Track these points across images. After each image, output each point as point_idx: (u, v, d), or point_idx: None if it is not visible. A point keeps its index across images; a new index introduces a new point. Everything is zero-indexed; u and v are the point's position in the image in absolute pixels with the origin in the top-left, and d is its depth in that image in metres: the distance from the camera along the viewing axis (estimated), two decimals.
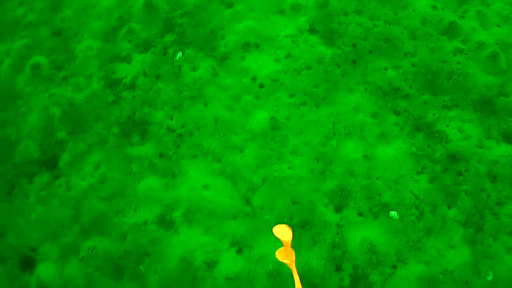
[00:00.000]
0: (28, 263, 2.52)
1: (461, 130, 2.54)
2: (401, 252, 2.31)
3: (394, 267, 2.29)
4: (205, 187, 2.43)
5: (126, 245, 2.40)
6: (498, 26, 2.85)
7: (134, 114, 2.69)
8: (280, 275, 2.24)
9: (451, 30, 2.81)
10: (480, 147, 2.52)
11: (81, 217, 2.49)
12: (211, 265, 2.29)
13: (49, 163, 2.67)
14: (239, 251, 2.32)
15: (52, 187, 2.60)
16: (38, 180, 2.64)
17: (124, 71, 2.81)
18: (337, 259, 2.29)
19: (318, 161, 2.46)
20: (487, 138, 2.54)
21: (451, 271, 2.30)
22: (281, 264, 2.24)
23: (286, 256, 1.84)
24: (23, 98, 2.88)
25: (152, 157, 2.56)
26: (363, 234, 2.31)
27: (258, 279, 2.26)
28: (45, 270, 2.43)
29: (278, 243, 1.85)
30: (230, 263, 2.29)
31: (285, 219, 2.34)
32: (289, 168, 2.46)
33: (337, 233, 2.33)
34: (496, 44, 2.77)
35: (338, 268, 2.28)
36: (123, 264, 2.38)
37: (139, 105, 2.71)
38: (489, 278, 2.32)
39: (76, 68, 2.91)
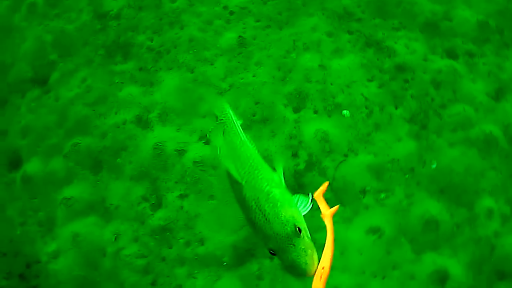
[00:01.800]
0: (15, 164, 2.77)
1: (408, 46, 2.84)
2: (351, 144, 2.56)
3: (346, 155, 2.53)
4: (178, 90, 2.72)
5: (105, 142, 2.65)
6: None
7: (119, 38, 3.00)
8: None
9: None
10: (425, 60, 2.81)
11: (66, 122, 2.76)
12: (181, 153, 2.54)
13: (40, 81, 2.97)
14: (207, 143, 2.58)
15: (41, 99, 2.88)
16: (29, 95, 2.93)
17: (111, 5, 3.15)
18: (293, 147, 2.54)
19: (279, 69, 2.75)
20: (432, 54, 2.83)
21: (398, 160, 2.54)
22: None
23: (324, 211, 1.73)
24: (18, 31, 3.21)
25: (133, 70, 2.85)
26: (317, 127, 2.57)
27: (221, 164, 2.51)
28: (30, 166, 2.68)
29: None
30: (198, 151, 2.54)
31: (249, 116, 2.61)
32: (253, 76, 2.75)
33: (294, 127, 2.59)
34: None
35: (294, 155, 2.52)
36: (101, 158, 2.63)
37: (123, 31, 3.02)
38: (433, 166, 2.55)
39: (68, 5, 3.26)
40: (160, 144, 2.58)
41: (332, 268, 2.30)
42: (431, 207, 2.44)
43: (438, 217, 2.41)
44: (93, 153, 2.65)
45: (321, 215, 1.71)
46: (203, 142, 2.57)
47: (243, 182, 1.55)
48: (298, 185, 2.49)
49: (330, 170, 2.51)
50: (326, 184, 1.78)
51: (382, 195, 2.49)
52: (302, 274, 1.39)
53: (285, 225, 1.41)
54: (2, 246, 2.63)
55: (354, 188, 2.49)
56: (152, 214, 2.49)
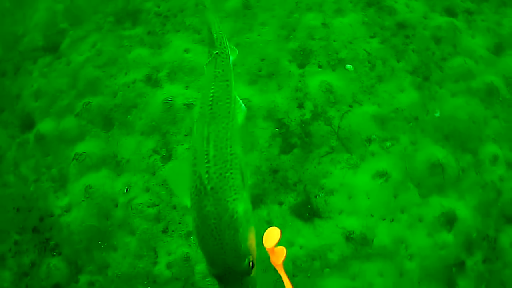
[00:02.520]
0: (28, 125, 2.83)
1: (408, 5, 2.92)
2: (356, 95, 2.61)
3: (350, 106, 2.59)
4: (186, 51, 2.79)
5: (116, 100, 2.72)
6: None
7: (127, 6, 3.10)
8: (250, 108, 2.55)
9: None
10: (425, 18, 2.88)
11: (77, 83, 2.84)
12: (190, 106, 2.60)
13: (52, 48, 3.05)
14: None
15: (53, 64, 2.97)
16: (41, 61, 3.01)
17: None
18: (299, 99, 2.59)
19: (283, 28, 2.82)
20: (431, 12, 2.90)
21: (402, 110, 2.59)
22: (250, 98, 2.55)
23: (274, 259, 1.51)
24: (30, 3, 3.31)
25: (142, 34, 2.94)
26: (322, 79, 2.63)
27: None
28: (43, 126, 2.74)
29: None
30: None
31: (255, 71, 2.68)
32: (258, 35, 2.83)
33: (300, 81, 2.65)
34: None
35: (300, 106, 2.58)
36: (112, 116, 2.70)
37: None
38: (437, 114, 2.60)
39: None
40: (169, 99, 2.64)
41: (341, 212, 2.37)
42: (437, 152, 2.48)
43: (443, 162, 2.45)
44: (104, 111, 2.72)
45: (272, 262, 1.49)
46: None
47: (208, 188, 1.24)
48: (305, 133, 2.54)
49: (335, 119, 2.56)
50: (279, 232, 1.49)
51: (388, 143, 2.54)
52: None
53: (241, 261, 1.22)
54: (16, 202, 2.68)
55: (359, 137, 2.53)
56: (163, 166, 2.55)
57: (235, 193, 1.25)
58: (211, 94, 1.38)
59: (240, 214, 1.24)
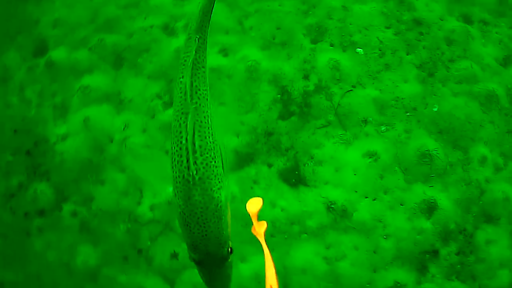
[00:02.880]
0: (40, 51, 2.89)
1: (427, 5, 2.98)
2: (361, 77, 2.68)
3: (353, 86, 2.65)
4: None
5: (130, 42, 2.79)
6: None
7: None
8: (257, 70, 2.61)
9: None
10: (441, 19, 2.94)
11: (97, 19, 2.91)
12: None
13: None
14: (225, 55, 2.70)
15: None
16: None
17: None
18: (305, 71, 2.66)
19: (303, 3, 2.88)
20: (449, 15, 2.97)
21: (402, 98, 2.65)
22: (259, 61, 2.61)
23: (257, 228, 1.61)
24: None
25: None
26: (331, 57, 2.69)
27: (237, 73, 2.63)
28: (56, 53, 2.80)
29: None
30: (216, 61, 2.67)
31: (269, 38, 2.74)
32: (279, 5, 2.88)
33: (309, 54, 2.71)
34: None
35: (306, 77, 2.64)
36: (124, 56, 2.76)
37: None
38: (435, 109, 2.66)
39: None
40: (182, 48, 2.71)
41: (326, 182, 2.42)
42: (429, 143, 2.54)
43: (433, 153, 2.51)
44: (117, 50, 2.78)
45: (252, 231, 1.59)
46: (222, 55, 2.70)
47: (197, 178, 1.29)
48: (305, 103, 2.60)
49: (336, 96, 2.62)
50: (259, 201, 1.62)
51: (383, 128, 2.60)
52: None
53: (222, 247, 1.29)
54: (15, 123, 2.74)
55: (357, 116, 2.59)
56: (163, 111, 2.61)
57: (219, 182, 1.31)
58: (190, 83, 1.40)
59: (223, 203, 1.30)
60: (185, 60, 1.47)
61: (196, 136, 1.28)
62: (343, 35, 2.82)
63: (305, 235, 2.34)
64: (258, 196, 2.34)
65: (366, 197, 2.43)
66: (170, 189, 1.31)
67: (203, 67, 1.50)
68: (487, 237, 2.48)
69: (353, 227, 2.35)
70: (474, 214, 2.49)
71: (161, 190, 2.38)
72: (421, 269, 2.37)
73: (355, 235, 2.35)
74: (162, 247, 2.32)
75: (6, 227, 2.48)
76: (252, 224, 1.58)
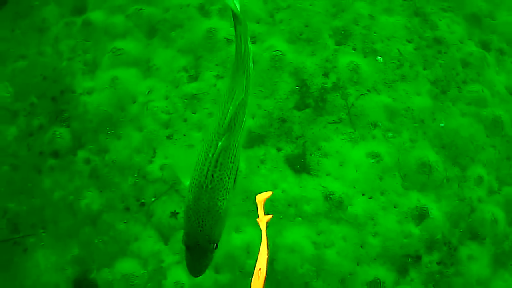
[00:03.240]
0: (79, 11, 3.03)
1: (449, 26, 3.11)
2: (377, 84, 2.81)
3: (369, 91, 2.78)
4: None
5: (166, 15, 2.93)
6: None
7: None
8: (281, 61, 2.75)
9: None
10: (461, 42, 3.07)
11: None
12: (230, 42, 2.81)
13: None
14: (253, 42, 2.84)
15: None
16: None
17: None
18: (326, 69, 2.80)
19: (334, 7, 3.03)
20: (468, 39, 3.10)
21: (412, 110, 2.78)
22: (284, 52, 2.75)
23: (261, 217, 1.75)
24: None
25: None
26: (352, 60, 2.83)
27: (262, 60, 2.77)
28: (93, 15, 2.95)
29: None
30: None
31: (296, 33, 2.88)
32: (310, 5, 3.02)
33: (332, 54, 2.86)
34: None
35: (325, 75, 2.78)
36: (158, 27, 2.91)
37: None
38: (442, 124, 2.79)
39: None
40: (213, 29, 2.85)
41: (328, 174, 2.55)
42: (430, 155, 2.67)
43: (433, 165, 2.63)
44: (152, 21, 2.93)
45: (257, 219, 1.75)
46: (252, 42, 2.84)
47: (209, 187, 1.58)
48: (321, 99, 2.73)
49: (351, 97, 2.76)
50: (269, 192, 1.82)
51: (390, 134, 2.72)
52: (192, 276, 1.60)
53: (210, 243, 1.56)
54: (45, 71, 2.88)
55: (367, 119, 2.72)
56: (187, 83, 2.75)
57: (226, 194, 1.59)
58: (234, 113, 1.63)
59: (223, 211, 1.59)
60: (234, 93, 1.67)
61: (221, 155, 1.57)
62: (366, 42, 2.95)
63: (300, 218, 2.47)
64: (263, 176, 2.48)
65: (363, 194, 2.55)
66: (187, 183, 1.59)
67: (245, 105, 1.72)
68: (470, 253, 2.59)
69: (346, 219, 2.48)
70: (461, 230, 2.61)
71: (173, 153, 2.53)
72: (402, 271, 2.48)
73: (346, 227, 2.47)
74: (164, 205, 2.46)
75: (19, 160, 2.62)
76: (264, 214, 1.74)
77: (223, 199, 1.60)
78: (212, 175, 1.58)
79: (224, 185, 1.60)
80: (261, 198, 1.79)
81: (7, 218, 2.51)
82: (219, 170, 1.58)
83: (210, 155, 1.59)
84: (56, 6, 3.13)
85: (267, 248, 1.65)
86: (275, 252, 2.37)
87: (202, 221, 1.56)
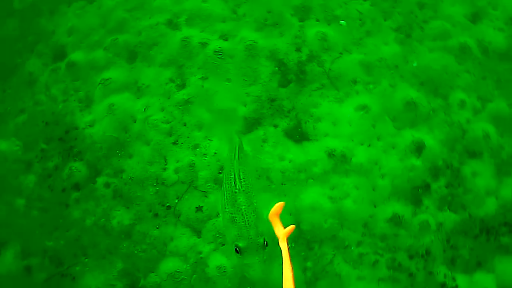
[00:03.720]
0: (60, 56, 3.25)
1: None
2: (346, 45, 3.03)
3: (341, 53, 2.99)
4: (204, 1, 3.22)
5: (140, 38, 3.14)
6: None
7: None
8: (255, 49, 2.96)
9: None
10: None
11: (107, 23, 3.26)
12: (204, 45, 3.01)
13: None
14: (226, 39, 3.05)
15: (86, 7, 3.40)
16: (75, 4, 3.44)
17: None
18: (297, 44, 3.01)
19: None
20: None
21: (385, 59, 2.99)
22: (256, 40, 2.96)
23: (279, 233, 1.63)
24: None
25: None
26: (318, 30, 3.04)
27: (238, 53, 2.99)
28: (75, 56, 3.15)
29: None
30: (218, 44, 3.01)
31: (262, 21, 3.09)
32: None
33: (299, 30, 3.07)
34: None
35: (298, 50, 2.99)
36: (137, 51, 3.11)
37: None
38: (414, 64, 3.00)
39: None
40: (186, 38, 3.06)
41: (326, 135, 2.74)
42: (412, 94, 2.87)
43: (417, 101, 2.84)
44: (129, 46, 3.13)
45: (277, 236, 1.63)
46: (223, 39, 3.05)
47: (241, 190, 1.83)
48: (300, 71, 2.94)
49: (327, 63, 2.97)
50: (281, 204, 1.67)
51: (371, 86, 2.93)
52: (250, 278, 1.80)
53: (260, 235, 1.67)
54: (45, 117, 3.07)
55: (347, 78, 2.93)
56: (177, 91, 2.94)
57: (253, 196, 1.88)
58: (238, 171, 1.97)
59: (256, 209, 1.82)
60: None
61: (241, 175, 1.91)
62: (326, 11, 3.17)
63: (311, 180, 2.65)
64: (268, 153, 2.65)
65: (362, 144, 2.75)
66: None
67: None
68: (473, 170, 2.79)
69: (353, 170, 2.67)
70: (458, 151, 2.81)
71: (183, 156, 2.72)
72: (416, 202, 2.67)
73: (355, 177, 2.66)
74: (188, 202, 2.64)
75: (45, 201, 2.80)
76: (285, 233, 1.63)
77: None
78: (240, 184, 1.91)
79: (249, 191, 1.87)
80: (273, 212, 1.65)
81: (49, 256, 2.68)
82: (240, 181, 1.89)
83: (232, 175, 1.93)
84: (37, 58, 3.33)
85: (291, 268, 1.53)
86: (299, 215, 2.56)
87: (246, 214, 1.70)
